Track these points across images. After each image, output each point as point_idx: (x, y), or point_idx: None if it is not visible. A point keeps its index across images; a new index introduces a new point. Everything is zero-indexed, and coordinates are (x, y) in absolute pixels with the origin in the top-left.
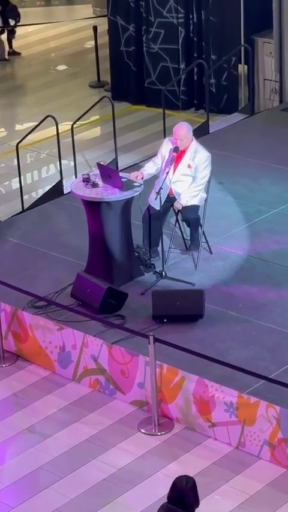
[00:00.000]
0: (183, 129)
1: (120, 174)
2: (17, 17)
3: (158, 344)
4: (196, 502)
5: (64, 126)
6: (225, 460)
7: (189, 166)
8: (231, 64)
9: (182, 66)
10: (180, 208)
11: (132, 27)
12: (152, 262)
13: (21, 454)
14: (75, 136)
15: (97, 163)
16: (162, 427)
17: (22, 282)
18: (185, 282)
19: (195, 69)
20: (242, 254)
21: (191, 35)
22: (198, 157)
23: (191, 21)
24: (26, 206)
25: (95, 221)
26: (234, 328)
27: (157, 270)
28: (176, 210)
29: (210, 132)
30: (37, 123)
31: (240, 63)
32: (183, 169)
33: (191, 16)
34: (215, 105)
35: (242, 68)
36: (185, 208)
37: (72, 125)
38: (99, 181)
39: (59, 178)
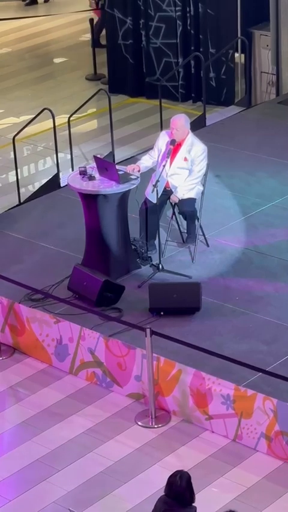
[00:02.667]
0: (180, 120)
1: (117, 167)
2: None
3: (155, 337)
4: (192, 499)
5: (61, 119)
6: (222, 453)
7: (185, 159)
8: (229, 57)
9: (181, 60)
10: (177, 201)
11: (129, 20)
12: (149, 255)
13: (18, 447)
14: (71, 129)
15: (94, 156)
16: (159, 419)
17: (19, 275)
18: (182, 275)
19: (193, 62)
20: (239, 247)
21: (189, 28)
22: (195, 151)
23: (188, 15)
24: (22, 199)
25: (92, 214)
26: (231, 321)
27: (154, 263)
28: (173, 203)
29: (206, 124)
30: (34, 116)
31: (237, 53)
32: (180, 162)
33: (188, 9)
34: (216, 98)
35: (239, 59)
36: (182, 201)
37: (69, 117)
38: (96, 174)
39: (56, 171)
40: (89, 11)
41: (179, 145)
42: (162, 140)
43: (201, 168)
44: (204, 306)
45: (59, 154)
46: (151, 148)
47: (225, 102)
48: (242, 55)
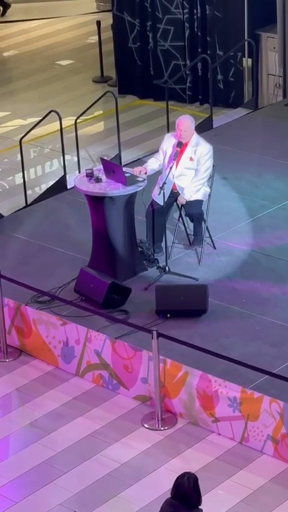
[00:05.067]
0: (186, 121)
1: (124, 169)
2: None
3: (162, 339)
4: (199, 501)
5: (68, 121)
6: (228, 455)
7: (191, 159)
8: (238, 60)
9: (189, 62)
10: (184, 203)
11: (137, 22)
12: (156, 257)
13: (25, 449)
14: (78, 132)
15: (100, 158)
16: (165, 422)
17: (25, 277)
18: (189, 277)
19: (200, 64)
20: (246, 249)
21: (196, 30)
22: (200, 150)
23: (195, 17)
24: (29, 201)
25: (99, 216)
26: (237, 323)
27: (160, 265)
28: (180, 205)
29: (213, 127)
30: (41, 118)
31: (244, 57)
32: (186, 162)
33: (195, 11)
34: (224, 101)
35: (246, 62)
36: (189, 203)
37: (76, 119)
38: (103, 176)
39: (63, 174)
40: (96, 13)
41: (185, 145)
42: (168, 142)
43: (207, 167)
44: (211, 308)
45: (65, 156)
46: (158, 150)
47: (234, 104)
48: (249, 58)
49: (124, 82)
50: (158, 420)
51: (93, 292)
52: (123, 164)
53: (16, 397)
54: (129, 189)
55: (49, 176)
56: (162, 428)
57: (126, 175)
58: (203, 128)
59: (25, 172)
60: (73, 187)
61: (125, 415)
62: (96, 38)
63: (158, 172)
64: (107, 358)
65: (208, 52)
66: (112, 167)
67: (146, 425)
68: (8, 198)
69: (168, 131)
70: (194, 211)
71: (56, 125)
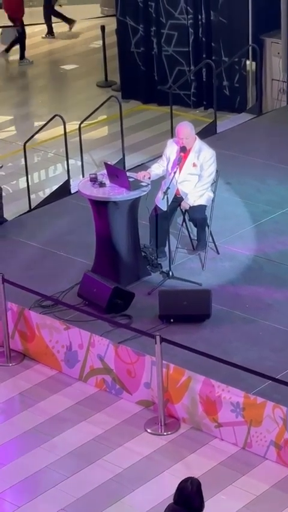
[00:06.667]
0: (186, 128)
1: (128, 173)
2: None
3: (165, 344)
4: (201, 506)
5: (72, 126)
6: (231, 461)
7: (194, 165)
8: (242, 65)
9: (193, 68)
10: (188, 208)
11: (141, 27)
12: (159, 262)
13: (28, 453)
14: (82, 136)
15: (104, 162)
16: (168, 427)
17: (29, 282)
18: (192, 282)
19: (205, 70)
20: (249, 254)
21: (200, 35)
22: (203, 155)
23: (199, 22)
24: (33, 205)
25: (102, 221)
26: (241, 329)
27: (164, 269)
28: (183, 210)
29: (217, 132)
30: (45, 122)
31: (248, 60)
32: (189, 168)
33: (199, 17)
34: (229, 106)
35: (250, 67)
36: (192, 208)
37: (80, 124)
38: (107, 181)
39: (66, 178)
40: (100, 18)
41: (188, 151)
42: (171, 148)
43: (210, 172)
44: (214, 313)
45: (69, 160)
46: (162, 155)
47: (239, 109)
48: (253, 62)
49: (128, 87)
50: (161, 425)
51: (96, 297)
52: (127, 169)
53: (19, 401)
54: (133, 194)
55: (53, 180)
56: (165, 433)
57: (130, 180)
58: (207, 133)
59: (29, 176)
60: (77, 191)
61: (128, 420)
62: (100, 42)
63: (162, 177)
64: (110, 363)
65: (213, 58)
66: (116, 172)
67: (149, 430)
68: (11, 202)
69: (172, 136)
70: (198, 216)
71: (60, 130)
